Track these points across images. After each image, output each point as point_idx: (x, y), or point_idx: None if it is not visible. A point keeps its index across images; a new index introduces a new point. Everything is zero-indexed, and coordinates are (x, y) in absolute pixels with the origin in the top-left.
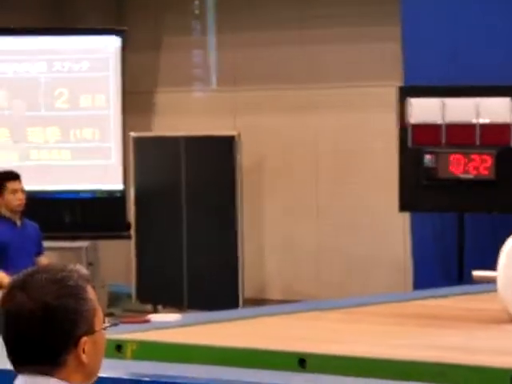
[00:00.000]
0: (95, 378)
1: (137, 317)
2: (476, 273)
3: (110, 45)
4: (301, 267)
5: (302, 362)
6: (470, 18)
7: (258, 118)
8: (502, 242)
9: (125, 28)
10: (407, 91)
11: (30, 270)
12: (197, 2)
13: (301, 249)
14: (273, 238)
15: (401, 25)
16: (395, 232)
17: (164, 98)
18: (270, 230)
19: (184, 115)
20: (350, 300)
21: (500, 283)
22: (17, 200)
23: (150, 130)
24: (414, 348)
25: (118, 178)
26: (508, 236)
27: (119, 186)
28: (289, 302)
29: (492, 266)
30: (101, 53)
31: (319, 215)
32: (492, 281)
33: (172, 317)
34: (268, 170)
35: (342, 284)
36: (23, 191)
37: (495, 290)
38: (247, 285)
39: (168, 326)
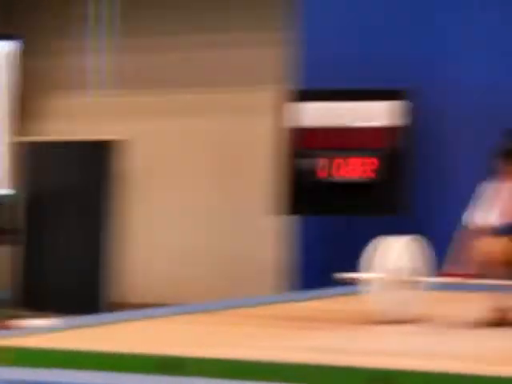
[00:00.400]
0: None
1: (7, 323)
2: (351, 274)
3: (1, 49)
4: (174, 270)
5: (177, 367)
6: (355, 24)
7: (147, 122)
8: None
9: (16, 33)
10: (288, 95)
11: None
12: (91, 8)
13: (176, 252)
14: (143, 241)
15: (289, 30)
16: (273, 235)
17: (56, 102)
18: (143, 230)
19: (76, 120)
20: (225, 302)
21: (375, 284)
22: None
23: (43, 134)
24: (290, 350)
25: (5, 183)
26: (386, 237)
27: (7, 191)
28: (162, 306)
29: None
30: None
31: (196, 218)
32: (367, 282)
33: (44, 322)
34: (155, 174)
35: (218, 287)
36: None
37: (372, 292)
38: (119, 289)
39: (41, 330)
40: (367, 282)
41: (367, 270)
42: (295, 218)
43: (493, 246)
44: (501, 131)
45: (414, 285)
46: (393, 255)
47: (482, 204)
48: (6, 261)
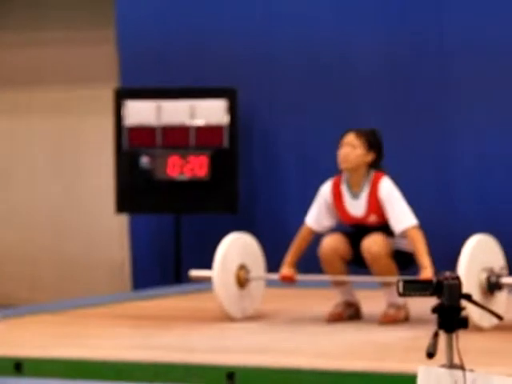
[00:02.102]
0: None
1: None
2: (193, 272)
3: None
4: (15, 271)
5: (17, 367)
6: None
7: None
8: (216, 241)
9: None
10: (123, 94)
11: None
12: None
13: (16, 252)
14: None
15: (115, 28)
16: (113, 234)
17: None
18: None
19: None
20: (66, 302)
21: (215, 282)
22: None
23: None
24: (131, 348)
25: None
26: (222, 235)
27: None
28: (2, 307)
29: (208, 265)
30: None
31: (36, 218)
32: (207, 279)
33: None
34: None
35: (59, 287)
36: None
37: (211, 289)
38: None
39: None
40: (209, 279)
41: (211, 267)
42: (133, 216)
43: (327, 244)
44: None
45: (254, 281)
46: (231, 252)
47: (316, 204)
48: None
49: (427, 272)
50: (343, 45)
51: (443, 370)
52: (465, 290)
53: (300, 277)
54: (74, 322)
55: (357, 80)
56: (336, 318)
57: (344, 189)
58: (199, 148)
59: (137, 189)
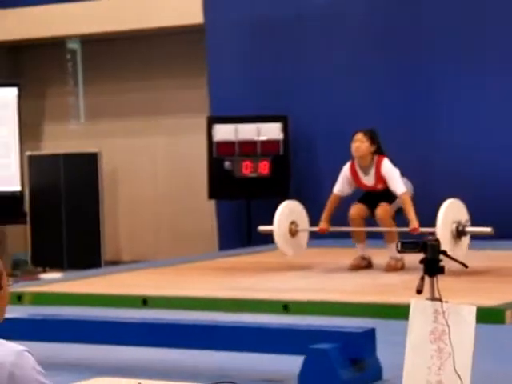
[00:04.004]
0: (2, 319)
1: (31, 276)
2: (261, 227)
3: (10, 93)
4: (143, 237)
5: (144, 302)
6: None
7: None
8: (273, 218)
9: (19, 81)
10: (212, 120)
11: None
12: (70, 64)
13: (143, 226)
14: (125, 218)
15: (207, 78)
16: (207, 213)
17: (49, 129)
18: (123, 213)
19: (62, 141)
20: (175, 259)
21: (275, 233)
22: None
23: (39, 150)
24: (218, 289)
25: (17, 182)
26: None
27: (18, 188)
28: (136, 263)
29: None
30: (3, 99)
31: (159, 204)
32: (270, 232)
33: (56, 275)
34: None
35: (173, 249)
36: None
37: (272, 249)
38: (106, 250)
39: (54, 280)
40: (272, 231)
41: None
42: (219, 201)
43: (353, 209)
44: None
45: (301, 232)
46: (285, 212)
47: (340, 179)
48: (20, 235)
49: (413, 224)
50: None
51: (428, 302)
52: (441, 236)
53: (332, 228)
54: (180, 273)
55: None
56: (355, 268)
57: (358, 170)
58: (263, 155)
59: (222, 183)
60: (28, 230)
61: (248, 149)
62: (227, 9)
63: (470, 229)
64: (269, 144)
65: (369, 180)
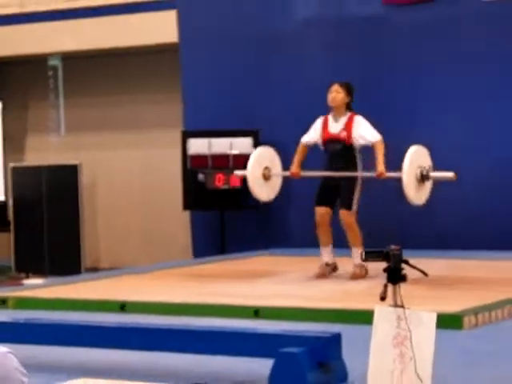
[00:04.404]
0: None
1: (14, 281)
2: (236, 171)
3: None
4: (121, 245)
5: (122, 307)
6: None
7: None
8: (245, 226)
9: (3, 95)
10: (187, 134)
11: None
12: (51, 79)
13: (122, 235)
14: (104, 228)
15: (181, 94)
16: (181, 222)
17: (31, 141)
18: (102, 223)
19: (44, 153)
20: (151, 266)
21: (249, 177)
22: None
23: (22, 161)
24: (193, 295)
25: (0, 192)
26: (249, 224)
27: (2, 198)
28: (115, 269)
29: (246, 239)
30: None
31: (133, 213)
32: (245, 176)
33: (38, 281)
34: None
35: (147, 256)
36: None
37: (247, 257)
38: (86, 257)
39: (36, 286)
40: (246, 176)
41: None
42: (193, 212)
43: (317, 215)
44: None
45: (274, 177)
46: (259, 157)
47: (310, 132)
48: (6, 242)
49: (380, 168)
50: None
51: (391, 308)
52: (406, 180)
53: (303, 173)
54: (157, 278)
55: None
56: (321, 277)
57: (330, 117)
58: (236, 168)
59: (196, 194)
60: (11, 237)
61: (221, 162)
62: (200, 28)
63: (433, 174)
64: (241, 157)
65: (336, 128)
